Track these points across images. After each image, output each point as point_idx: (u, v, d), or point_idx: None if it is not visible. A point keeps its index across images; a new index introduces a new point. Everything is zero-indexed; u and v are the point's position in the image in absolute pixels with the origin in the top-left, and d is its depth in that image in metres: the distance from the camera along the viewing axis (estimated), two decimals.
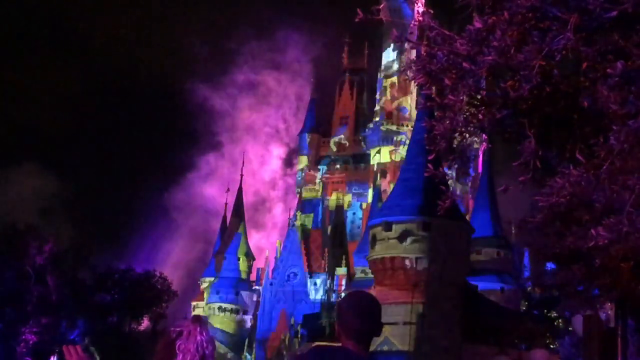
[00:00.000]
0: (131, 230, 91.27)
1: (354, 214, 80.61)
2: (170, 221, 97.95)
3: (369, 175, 79.66)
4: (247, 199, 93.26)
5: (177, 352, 3.76)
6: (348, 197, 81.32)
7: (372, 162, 79.34)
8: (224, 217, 78.44)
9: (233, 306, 67.85)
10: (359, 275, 60.65)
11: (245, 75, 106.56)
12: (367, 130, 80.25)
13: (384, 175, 77.67)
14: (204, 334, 3.83)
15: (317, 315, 56.40)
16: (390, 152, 76.96)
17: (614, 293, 8.98)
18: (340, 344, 3.82)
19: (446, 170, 5.96)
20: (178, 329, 3.83)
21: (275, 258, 69.58)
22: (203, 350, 3.80)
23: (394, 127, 77.62)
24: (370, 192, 77.59)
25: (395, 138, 77.59)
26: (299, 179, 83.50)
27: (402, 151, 68.94)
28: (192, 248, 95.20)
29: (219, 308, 68.08)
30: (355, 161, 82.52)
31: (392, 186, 62.30)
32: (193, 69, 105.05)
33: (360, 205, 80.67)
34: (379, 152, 78.85)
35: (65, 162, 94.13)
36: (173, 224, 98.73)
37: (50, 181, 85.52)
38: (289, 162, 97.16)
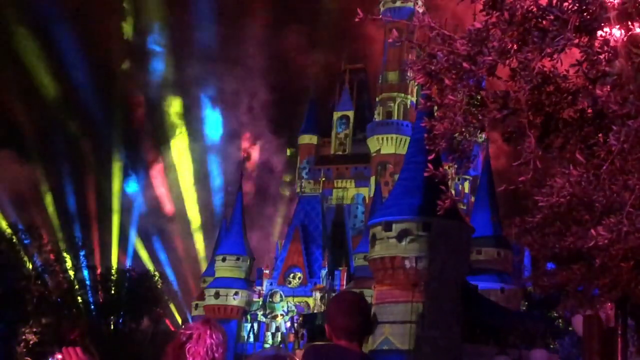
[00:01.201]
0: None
1: (357, 208, 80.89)
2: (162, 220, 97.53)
3: (371, 169, 79.84)
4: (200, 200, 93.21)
5: (187, 355, 3.74)
6: (351, 193, 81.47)
7: (372, 152, 79.45)
8: (224, 216, 78.45)
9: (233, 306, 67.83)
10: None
11: (196, 71, 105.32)
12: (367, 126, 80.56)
13: (384, 168, 77.78)
14: (214, 337, 3.80)
15: (317, 315, 56.43)
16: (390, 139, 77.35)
17: (614, 293, 8.97)
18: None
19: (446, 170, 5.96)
20: (188, 332, 3.81)
21: (275, 258, 69.61)
22: (213, 353, 3.77)
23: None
24: (372, 180, 77.73)
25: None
26: (300, 178, 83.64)
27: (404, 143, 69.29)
28: (193, 247, 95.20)
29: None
30: (356, 159, 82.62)
31: (394, 178, 62.36)
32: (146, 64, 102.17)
33: (363, 200, 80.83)
34: (379, 145, 78.96)
35: (44, 153, 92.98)
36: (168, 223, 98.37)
37: (29, 171, 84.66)
38: (242, 164, 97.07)
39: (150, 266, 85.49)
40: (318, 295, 64.63)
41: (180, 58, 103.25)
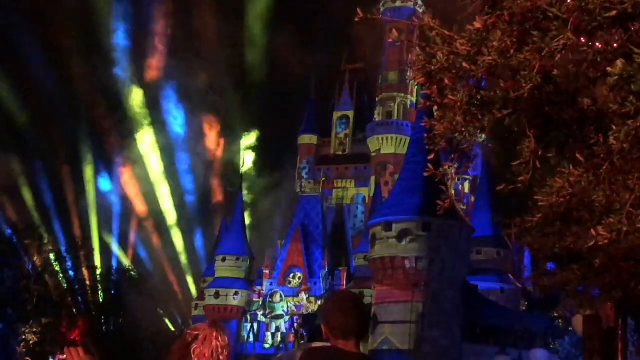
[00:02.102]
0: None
1: (357, 208, 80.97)
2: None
3: (371, 169, 79.92)
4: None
5: (193, 355, 3.75)
6: (351, 193, 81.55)
7: (372, 152, 79.55)
8: (224, 216, 78.50)
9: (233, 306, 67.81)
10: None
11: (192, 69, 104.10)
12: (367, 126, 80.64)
13: (384, 168, 77.84)
14: (220, 339, 3.82)
15: (316, 316, 56.44)
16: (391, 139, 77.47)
17: (614, 293, 8.98)
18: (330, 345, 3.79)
19: (447, 170, 5.97)
20: (195, 333, 3.82)
21: (275, 258, 69.61)
22: (218, 356, 3.78)
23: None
24: (372, 180, 77.81)
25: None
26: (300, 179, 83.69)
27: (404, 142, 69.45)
28: (193, 246, 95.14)
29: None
30: (356, 159, 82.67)
31: (394, 178, 62.44)
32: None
33: (363, 200, 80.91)
34: (379, 145, 79.04)
35: (27, 144, 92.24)
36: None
37: (12, 162, 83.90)
38: (205, 167, 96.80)
39: (150, 266, 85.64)
40: (304, 296, 64.71)
41: (178, 58, 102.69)
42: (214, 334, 3.81)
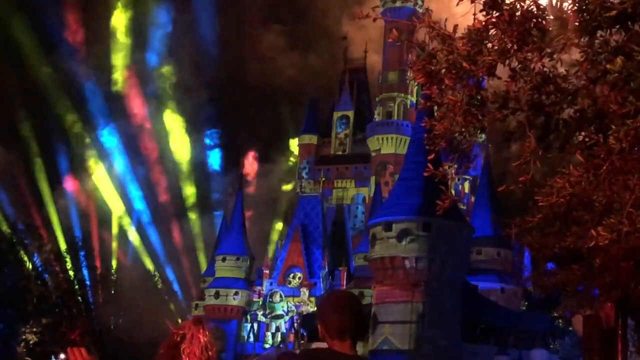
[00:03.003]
0: None
1: (357, 208, 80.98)
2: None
3: (371, 169, 79.92)
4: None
5: (183, 355, 3.72)
6: (351, 193, 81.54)
7: (372, 152, 79.55)
8: (224, 217, 78.47)
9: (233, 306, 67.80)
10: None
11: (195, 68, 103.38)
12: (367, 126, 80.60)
13: (384, 168, 77.85)
14: (207, 335, 3.80)
15: (315, 315, 56.42)
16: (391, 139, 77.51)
17: (614, 293, 8.98)
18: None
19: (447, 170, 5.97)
20: (181, 332, 3.78)
21: (275, 258, 69.60)
22: (207, 352, 3.76)
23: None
24: (372, 180, 77.81)
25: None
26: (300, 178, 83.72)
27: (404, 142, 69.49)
28: (193, 246, 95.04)
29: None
30: (356, 159, 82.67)
31: (394, 178, 62.46)
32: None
33: (363, 200, 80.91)
34: (379, 145, 79.06)
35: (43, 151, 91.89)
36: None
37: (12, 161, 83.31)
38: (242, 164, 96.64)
39: (150, 266, 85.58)
40: (307, 292, 64.73)
41: (179, 61, 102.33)
42: (201, 331, 3.79)
